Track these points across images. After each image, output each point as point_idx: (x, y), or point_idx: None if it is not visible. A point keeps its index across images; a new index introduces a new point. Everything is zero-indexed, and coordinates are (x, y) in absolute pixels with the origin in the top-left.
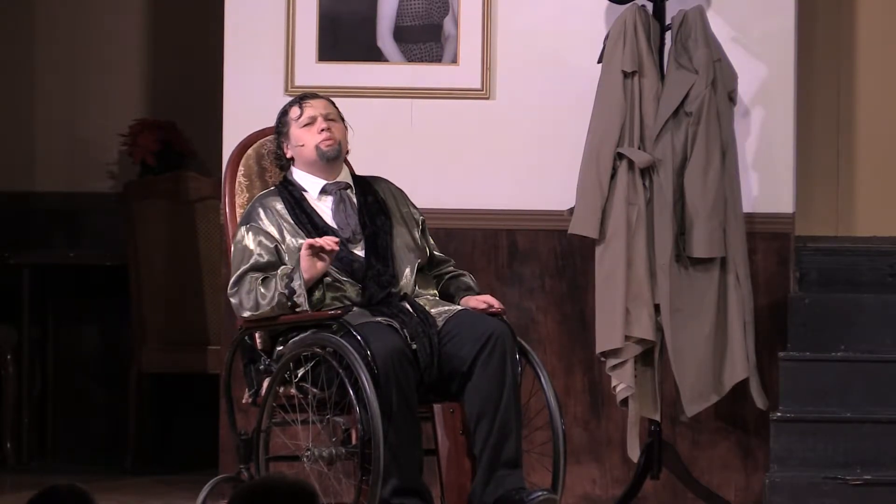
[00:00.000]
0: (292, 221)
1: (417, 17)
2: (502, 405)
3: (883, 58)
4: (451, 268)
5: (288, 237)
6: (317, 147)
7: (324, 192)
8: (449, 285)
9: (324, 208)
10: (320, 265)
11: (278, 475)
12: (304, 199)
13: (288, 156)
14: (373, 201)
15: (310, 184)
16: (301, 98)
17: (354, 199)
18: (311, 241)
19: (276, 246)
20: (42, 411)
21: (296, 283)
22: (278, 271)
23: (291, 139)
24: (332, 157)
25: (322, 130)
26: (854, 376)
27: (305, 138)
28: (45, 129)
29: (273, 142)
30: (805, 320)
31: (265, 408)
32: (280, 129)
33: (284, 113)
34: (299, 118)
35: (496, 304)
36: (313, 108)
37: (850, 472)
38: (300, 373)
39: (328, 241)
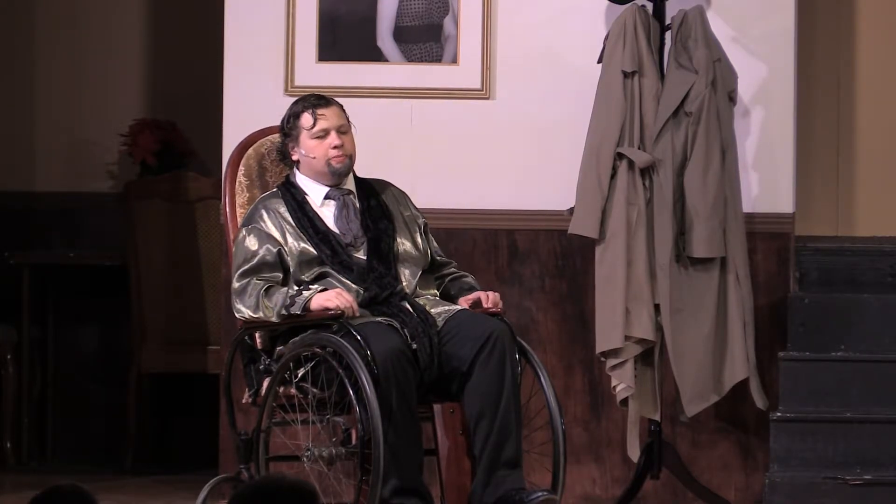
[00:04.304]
0: (294, 224)
1: (417, 17)
2: (502, 405)
3: (883, 58)
4: (453, 269)
5: (290, 239)
6: (328, 163)
7: (327, 197)
8: (450, 287)
9: (326, 213)
10: (332, 303)
11: (279, 475)
12: (307, 203)
13: (294, 158)
14: (375, 205)
15: (313, 189)
16: (314, 105)
17: (357, 204)
18: (345, 302)
19: (278, 250)
20: (42, 411)
21: (299, 301)
22: (285, 290)
23: (301, 146)
24: (343, 174)
25: (335, 147)
26: (854, 376)
27: (317, 151)
28: (45, 129)
29: (278, 139)
30: (805, 320)
31: (265, 408)
32: (289, 131)
33: (296, 117)
34: (312, 128)
35: (489, 298)
36: (327, 120)
37: (849, 472)
38: (300, 373)
39: (354, 311)
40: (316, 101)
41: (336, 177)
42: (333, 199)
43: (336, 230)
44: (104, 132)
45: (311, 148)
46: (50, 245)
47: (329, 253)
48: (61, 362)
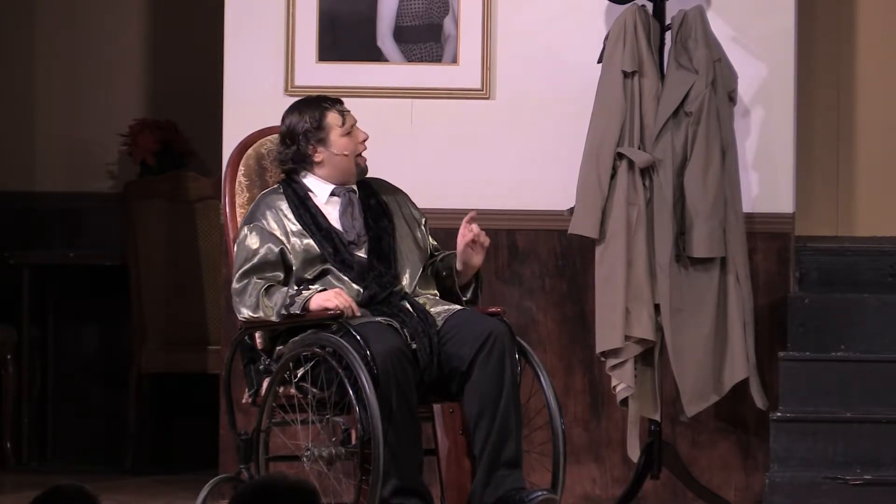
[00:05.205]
0: (296, 220)
1: (417, 17)
2: (501, 405)
3: (883, 58)
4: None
5: (293, 238)
6: (356, 159)
7: (332, 194)
8: (440, 266)
9: (329, 210)
10: (331, 304)
11: (279, 475)
12: (309, 199)
13: (317, 159)
14: (375, 204)
15: (319, 187)
16: (333, 103)
17: (360, 202)
18: (344, 302)
19: (281, 249)
20: (42, 411)
21: (298, 300)
22: (285, 290)
23: (332, 146)
24: (367, 170)
25: (362, 142)
26: (854, 376)
27: (350, 148)
28: (45, 129)
29: (278, 146)
30: (805, 320)
31: (265, 408)
32: (314, 133)
33: (321, 117)
34: (343, 125)
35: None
36: (351, 118)
37: (850, 472)
38: (300, 373)
39: (354, 311)
40: (331, 100)
41: (359, 174)
42: (338, 196)
43: (339, 228)
44: (104, 132)
45: (344, 145)
46: (50, 245)
47: (331, 251)
48: (61, 362)
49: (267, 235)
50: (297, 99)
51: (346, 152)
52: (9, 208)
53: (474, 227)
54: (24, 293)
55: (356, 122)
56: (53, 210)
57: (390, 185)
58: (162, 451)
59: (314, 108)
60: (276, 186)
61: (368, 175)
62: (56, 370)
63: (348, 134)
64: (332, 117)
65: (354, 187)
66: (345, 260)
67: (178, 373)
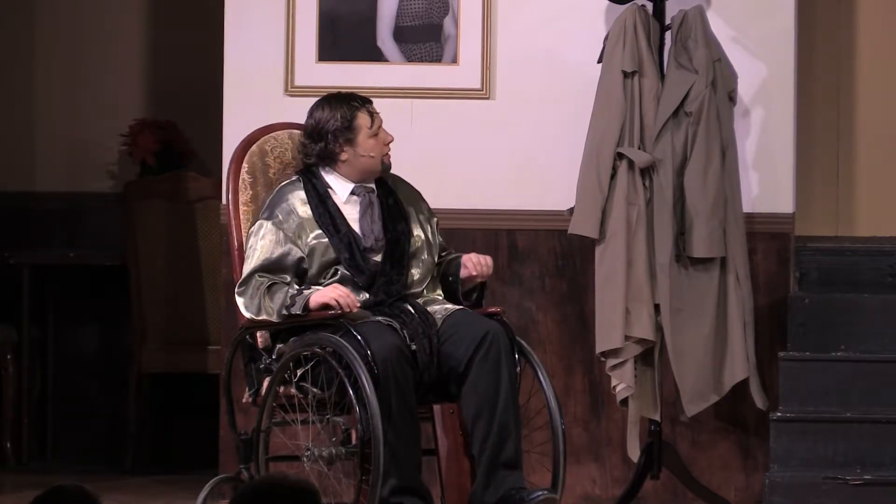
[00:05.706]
0: (315, 221)
1: (417, 17)
2: (500, 406)
3: (883, 58)
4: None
5: (312, 241)
6: (382, 161)
7: (352, 193)
8: (449, 263)
9: (349, 210)
10: (332, 299)
11: (280, 475)
12: (329, 197)
13: (343, 158)
14: (393, 203)
15: (339, 185)
16: (364, 102)
17: (378, 203)
18: (343, 299)
19: (298, 257)
20: (42, 411)
21: (299, 300)
22: (286, 289)
23: (359, 146)
24: (390, 167)
25: (387, 144)
26: (854, 376)
27: (376, 150)
28: (45, 129)
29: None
30: (805, 320)
31: (265, 408)
32: (344, 133)
33: (352, 117)
34: (372, 126)
35: (473, 261)
36: (378, 119)
37: (850, 472)
38: (300, 373)
39: (352, 305)
40: (361, 99)
41: (382, 171)
42: (358, 196)
43: (358, 230)
44: (104, 132)
45: (371, 147)
46: (50, 245)
47: (347, 256)
48: (61, 362)
49: (284, 238)
50: (329, 93)
51: (372, 154)
52: (9, 208)
53: (471, 263)
54: (24, 293)
55: (382, 122)
56: (53, 210)
57: (406, 182)
58: (162, 451)
59: (345, 106)
60: (295, 179)
61: None
62: (56, 370)
63: (375, 135)
64: (362, 118)
65: (373, 186)
66: (358, 265)
67: (178, 373)
